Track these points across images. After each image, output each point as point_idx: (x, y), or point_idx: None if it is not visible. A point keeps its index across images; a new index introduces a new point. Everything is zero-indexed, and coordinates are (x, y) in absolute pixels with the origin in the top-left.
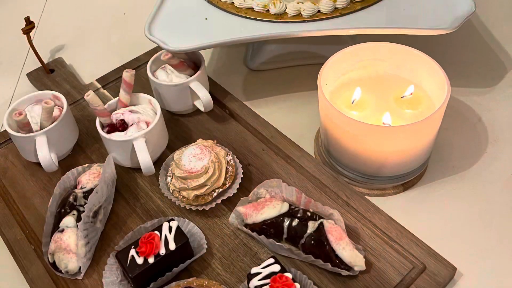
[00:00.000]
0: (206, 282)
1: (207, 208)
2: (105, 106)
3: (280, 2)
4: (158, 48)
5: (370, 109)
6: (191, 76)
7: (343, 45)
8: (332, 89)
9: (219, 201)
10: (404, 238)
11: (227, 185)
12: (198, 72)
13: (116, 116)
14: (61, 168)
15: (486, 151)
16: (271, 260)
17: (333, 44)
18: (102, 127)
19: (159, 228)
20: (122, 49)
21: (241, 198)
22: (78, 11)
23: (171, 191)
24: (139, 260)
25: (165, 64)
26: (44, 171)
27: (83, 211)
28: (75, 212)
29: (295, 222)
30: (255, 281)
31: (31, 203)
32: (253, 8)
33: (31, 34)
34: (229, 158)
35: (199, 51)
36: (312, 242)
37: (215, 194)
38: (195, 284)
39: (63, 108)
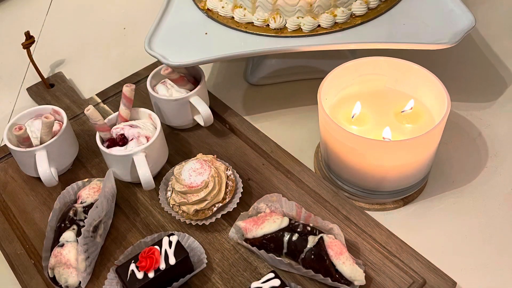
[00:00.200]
0: None
1: (207, 223)
2: (105, 120)
3: (280, 17)
4: (158, 63)
5: (370, 123)
6: (191, 90)
7: (343, 59)
8: (332, 103)
9: (219, 216)
10: (404, 252)
11: (227, 200)
12: (198, 87)
13: (116, 131)
14: (61, 183)
15: (486, 166)
16: (271, 275)
17: (333, 59)
18: (102, 141)
19: (159, 243)
20: (122, 63)
21: (241, 213)
22: (78, 25)
23: (171, 205)
24: (139, 275)
25: (165, 78)
26: (44, 185)
27: (83, 226)
28: (75, 226)
29: (295, 237)
30: None
31: (31, 218)
32: (253, 22)
33: (31, 48)
34: (229, 172)
35: (199, 66)
36: (312, 256)
37: (215, 209)
38: None
39: (63, 123)
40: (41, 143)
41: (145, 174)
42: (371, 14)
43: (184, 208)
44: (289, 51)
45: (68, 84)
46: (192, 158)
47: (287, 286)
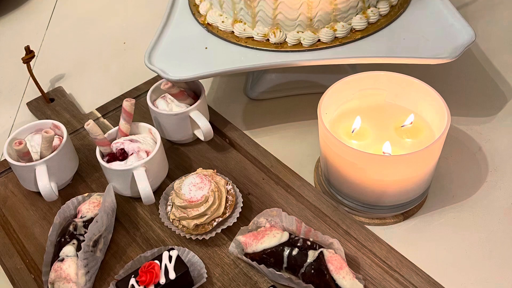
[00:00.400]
0: None
1: (207, 237)
2: (105, 135)
3: (280, 31)
4: (158, 77)
5: (370, 138)
6: (191, 105)
7: (343, 74)
8: (332, 118)
9: (219, 230)
10: (404, 267)
11: (227, 214)
12: (198, 101)
13: (116, 145)
14: (61, 197)
15: (486, 180)
16: None
17: (333, 73)
18: (102, 156)
19: (159, 257)
20: (122, 78)
21: (241, 227)
22: (78, 40)
23: (171, 220)
24: None
25: (165, 93)
26: (44, 200)
27: (83, 240)
28: (75, 241)
29: (295, 251)
30: None
31: (31, 232)
32: (253, 37)
33: (31, 63)
34: (229, 187)
35: (199, 80)
36: (312, 271)
37: (215, 223)
38: None
39: (63, 137)
40: (41, 158)
41: (145, 188)
42: (371, 29)
43: (184, 222)
44: (289, 66)
45: (68, 99)
46: (192, 173)
47: None
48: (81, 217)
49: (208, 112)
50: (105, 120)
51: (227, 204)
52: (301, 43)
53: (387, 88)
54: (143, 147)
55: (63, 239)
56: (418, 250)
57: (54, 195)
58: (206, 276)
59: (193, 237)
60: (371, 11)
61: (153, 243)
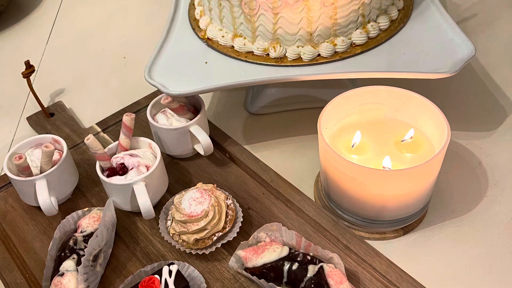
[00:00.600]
0: None
1: (207, 252)
2: (105, 150)
3: (280, 46)
4: (158, 92)
5: (370, 153)
6: (191, 119)
7: (343, 88)
8: (332, 133)
9: (219, 245)
10: (404, 282)
11: (227, 229)
12: (198, 116)
13: (116, 160)
14: (61, 212)
15: (486, 195)
16: None
17: (333, 88)
18: (102, 170)
19: (159, 272)
20: (122, 93)
21: (241, 242)
22: (78, 54)
23: (171, 234)
24: None
25: (165, 108)
26: (44, 215)
27: (83, 255)
28: (75, 256)
29: (295, 266)
30: None
31: (31, 247)
32: (253, 52)
33: (31, 78)
34: (229, 202)
35: (199, 95)
36: (312, 286)
37: (215, 238)
38: None
39: (63, 152)
40: (41, 172)
41: (145, 203)
42: (371, 43)
43: (184, 237)
44: (289, 80)
45: (68, 113)
46: (192, 187)
47: None
48: (81, 232)
49: (208, 126)
50: (105, 135)
51: (227, 219)
52: (301, 58)
53: (387, 102)
54: (143, 161)
55: (63, 254)
56: (418, 265)
57: (54, 210)
58: None
59: (193, 252)
60: (371, 25)
61: (153, 258)
